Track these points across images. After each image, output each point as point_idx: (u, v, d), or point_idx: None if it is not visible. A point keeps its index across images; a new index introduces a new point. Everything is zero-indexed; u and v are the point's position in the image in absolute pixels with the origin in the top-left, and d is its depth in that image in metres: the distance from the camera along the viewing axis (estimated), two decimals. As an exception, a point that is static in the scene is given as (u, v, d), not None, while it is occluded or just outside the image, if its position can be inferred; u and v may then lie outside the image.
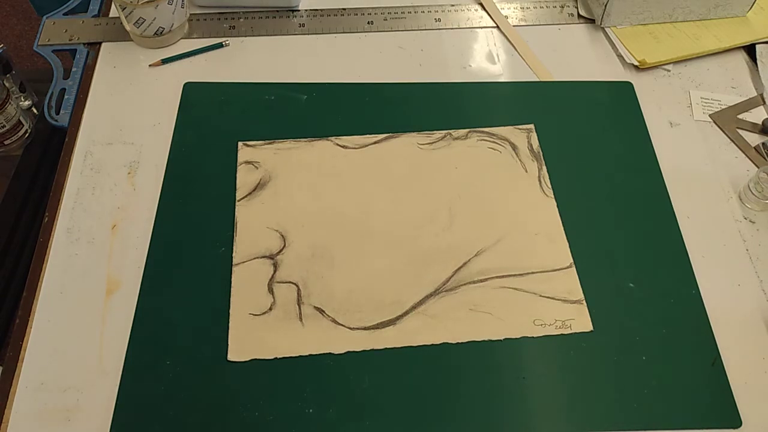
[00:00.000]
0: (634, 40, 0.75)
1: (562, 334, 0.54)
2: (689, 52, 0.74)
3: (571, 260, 0.58)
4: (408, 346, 0.53)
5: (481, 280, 0.57)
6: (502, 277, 0.57)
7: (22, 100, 0.72)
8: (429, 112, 0.68)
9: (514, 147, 0.65)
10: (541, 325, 0.54)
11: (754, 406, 0.52)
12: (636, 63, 0.72)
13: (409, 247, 0.58)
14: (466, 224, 0.60)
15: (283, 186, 0.62)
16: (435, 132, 0.66)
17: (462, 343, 0.53)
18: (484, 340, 0.54)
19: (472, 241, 0.59)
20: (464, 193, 0.62)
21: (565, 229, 0.60)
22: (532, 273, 0.57)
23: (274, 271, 0.57)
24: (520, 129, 0.67)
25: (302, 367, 0.52)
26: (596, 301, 0.56)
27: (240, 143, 0.65)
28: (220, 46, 0.73)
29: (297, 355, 0.53)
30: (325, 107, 0.68)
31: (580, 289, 0.56)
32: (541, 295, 0.56)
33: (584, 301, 0.56)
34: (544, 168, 0.64)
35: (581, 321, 0.55)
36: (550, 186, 0.63)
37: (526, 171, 0.64)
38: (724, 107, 0.70)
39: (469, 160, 0.64)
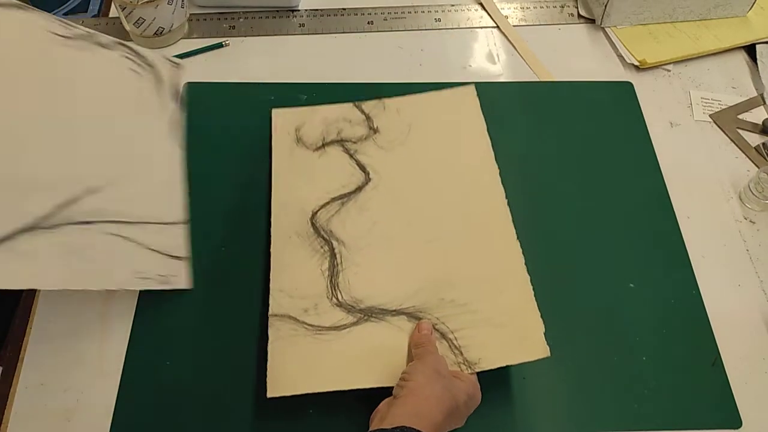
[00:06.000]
0: (634, 40, 0.75)
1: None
2: (689, 52, 0.74)
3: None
4: None
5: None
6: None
7: (22, 100, 0.72)
8: (429, 112, 0.68)
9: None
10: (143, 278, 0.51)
11: (754, 406, 0.52)
12: (636, 63, 0.72)
13: None
14: None
15: None
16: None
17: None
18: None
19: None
20: None
21: (565, 229, 0.60)
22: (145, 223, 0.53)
23: None
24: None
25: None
26: (596, 301, 0.56)
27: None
28: (220, 46, 0.73)
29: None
30: (325, 107, 0.68)
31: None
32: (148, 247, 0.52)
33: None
34: None
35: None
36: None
37: None
38: (724, 107, 0.70)
39: None
